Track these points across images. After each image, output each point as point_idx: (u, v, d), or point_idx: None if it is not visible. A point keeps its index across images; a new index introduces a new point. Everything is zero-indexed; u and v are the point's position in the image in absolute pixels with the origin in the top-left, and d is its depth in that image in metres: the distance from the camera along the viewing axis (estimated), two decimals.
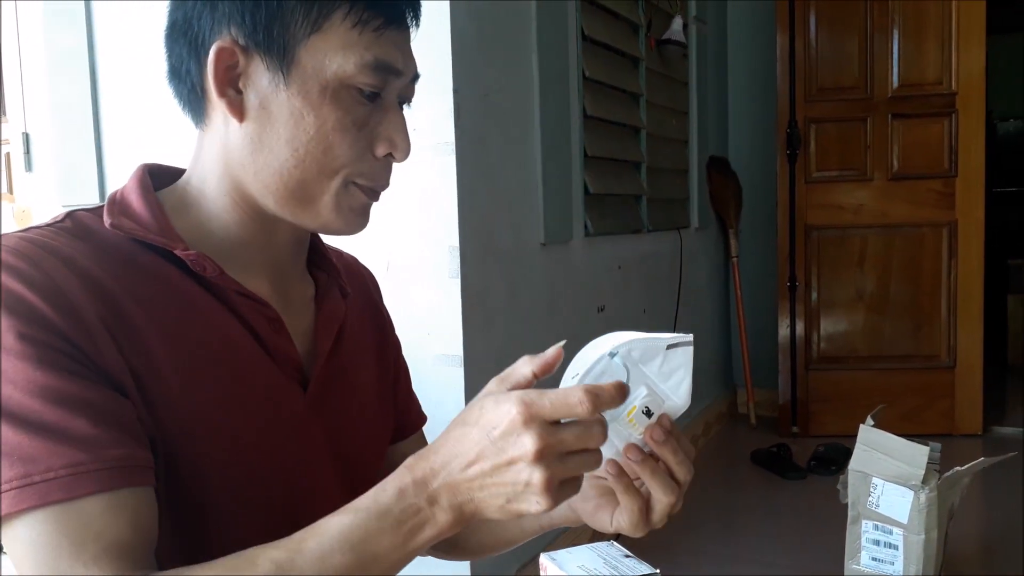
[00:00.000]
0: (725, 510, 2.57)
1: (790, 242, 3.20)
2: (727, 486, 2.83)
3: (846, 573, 1.85)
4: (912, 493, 1.69)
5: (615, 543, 1.44)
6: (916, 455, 1.68)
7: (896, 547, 1.74)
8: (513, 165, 1.78)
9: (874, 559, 1.79)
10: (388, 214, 1.61)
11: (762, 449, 2.99)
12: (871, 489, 1.76)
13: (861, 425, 1.79)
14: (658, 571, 1.32)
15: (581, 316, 2.17)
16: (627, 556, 1.40)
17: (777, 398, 3.37)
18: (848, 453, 2.93)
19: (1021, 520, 2.30)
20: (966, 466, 1.72)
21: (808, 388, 3.25)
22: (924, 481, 1.68)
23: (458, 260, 1.55)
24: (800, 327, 3.23)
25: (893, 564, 1.75)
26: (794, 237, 3.20)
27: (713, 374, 3.46)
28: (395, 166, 0.71)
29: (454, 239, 1.55)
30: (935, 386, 3.15)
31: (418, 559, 0.61)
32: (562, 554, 1.39)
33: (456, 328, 1.56)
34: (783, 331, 3.26)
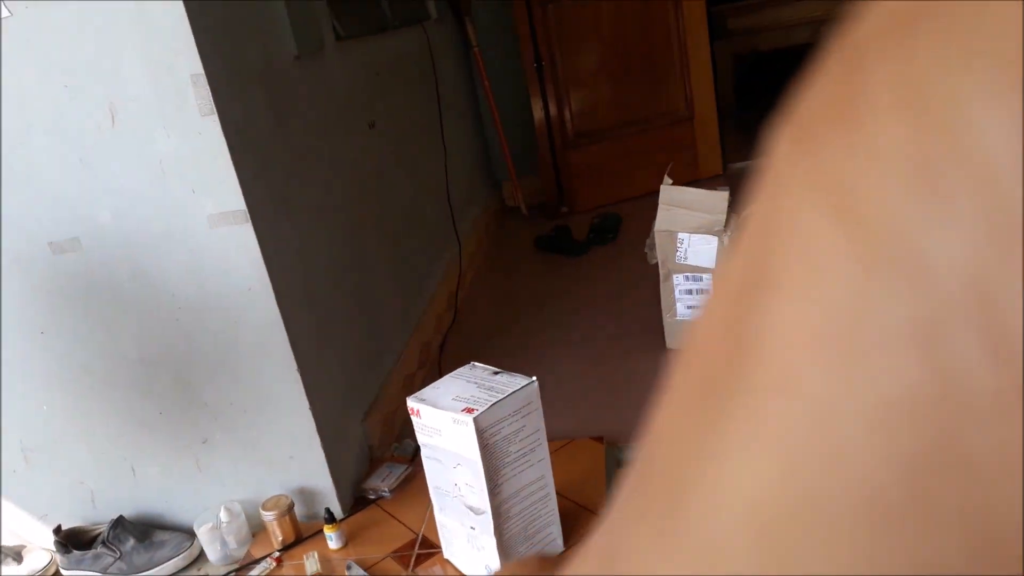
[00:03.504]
0: (529, 300, 2.61)
1: (529, 21, 3.08)
2: (521, 276, 2.87)
3: (666, 326, 1.95)
4: (716, 239, 1.77)
5: (476, 363, 1.35)
6: (717, 203, 1.74)
7: (708, 290, 1.85)
8: None
9: (689, 307, 1.89)
10: (101, 48, 1.22)
11: (542, 234, 3.04)
12: (677, 245, 1.82)
13: (662, 186, 1.81)
14: (534, 378, 1.26)
15: (355, 136, 1.93)
16: (496, 373, 1.32)
17: (540, 183, 3.40)
18: (618, 219, 3.08)
19: None
20: None
21: (570, 166, 3.30)
22: (725, 225, 1.76)
23: (208, 91, 1.23)
24: (553, 107, 3.22)
25: None
26: (532, 15, 3.08)
27: (479, 175, 3.39)
28: None
29: (195, 64, 1.22)
30: (679, 139, 3.34)
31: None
32: (428, 392, 1.27)
33: (227, 176, 1.28)
34: (538, 114, 3.22)
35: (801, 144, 0.12)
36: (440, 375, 2.12)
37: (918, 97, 0.10)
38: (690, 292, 1.87)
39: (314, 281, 1.55)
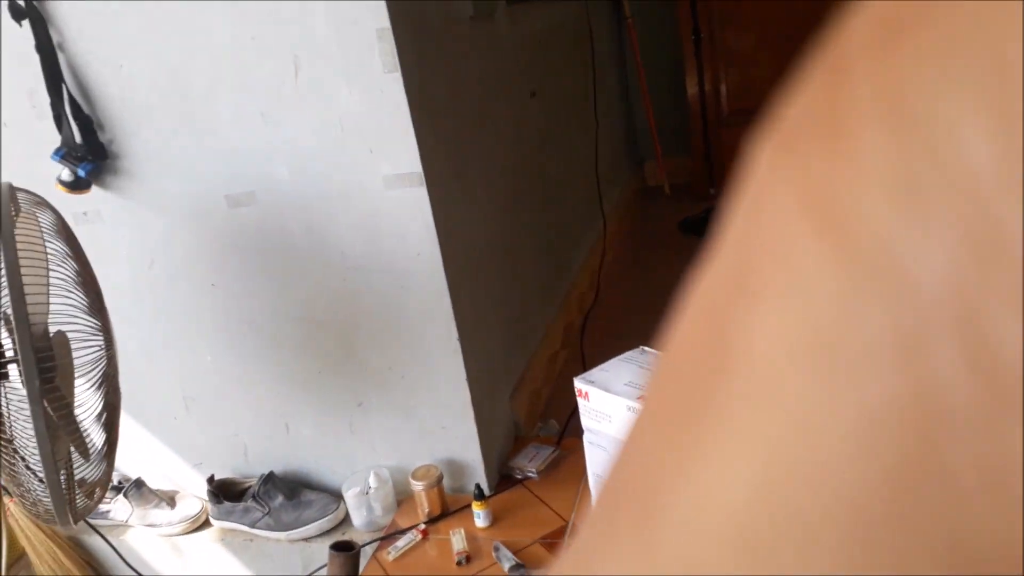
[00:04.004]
0: (673, 283, 2.49)
1: None
2: (664, 258, 2.75)
3: None
4: None
5: (645, 348, 1.26)
6: None
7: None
8: None
9: None
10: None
11: (690, 216, 2.90)
12: None
13: None
14: None
15: (517, 105, 1.87)
16: None
17: (687, 163, 3.26)
18: None
19: None
20: None
21: (722, 146, 3.14)
22: None
23: (393, 47, 1.19)
24: (708, 83, 3.06)
25: None
26: None
27: (623, 152, 3.28)
28: None
29: (382, 18, 1.18)
30: None
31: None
32: (597, 374, 1.20)
33: (406, 136, 1.24)
34: (692, 89, 3.07)
35: (784, 152, 0.12)
36: (582, 355, 2.06)
37: (903, 109, 0.10)
38: None
39: (477, 250, 1.51)
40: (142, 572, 1.54)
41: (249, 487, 1.58)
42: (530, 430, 1.68)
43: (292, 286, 1.41)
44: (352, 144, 1.26)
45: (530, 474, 1.50)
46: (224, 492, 1.59)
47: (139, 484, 1.64)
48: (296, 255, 1.38)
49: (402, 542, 1.37)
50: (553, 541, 1.32)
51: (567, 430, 1.65)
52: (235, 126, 1.31)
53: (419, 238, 1.30)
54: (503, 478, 1.52)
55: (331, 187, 1.30)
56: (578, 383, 1.19)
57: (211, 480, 1.58)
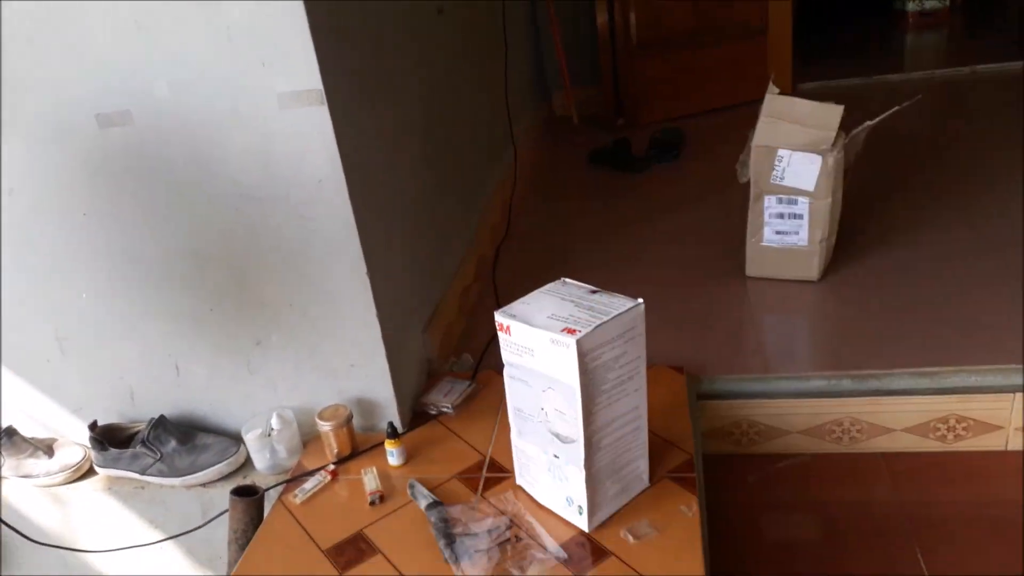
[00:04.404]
0: (587, 216, 2.46)
1: None
2: (576, 190, 2.71)
3: (749, 251, 1.81)
4: (820, 158, 1.61)
5: (567, 280, 1.22)
6: (829, 117, 1.56)
7: (801, 216, 1.70)
8: None
9: (778, 232, 1.74)
10: None
11: (599, 148, 2.86)
12: (775, 162, 1.66)
13: (767, 95, 1.63)
14: (640, 300, 1.13)
15: (424, 21, 1.75)
16: (594, 291, 1.19)
17: (595, 94, 3.20)
18: (680, 134, 2.89)
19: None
20: (875, 120, 1.64)
21: (631, 77, 3.09)
22: (833, 144, 1.60)
23: None
24: (617, 13, 2.98)
25: (798, 233, 1.72)
26: None
27: (531, 81, 3.18)
28: None
29: None
30: (749, 54, 3.12)
31: None
32: (519, 308, 1.14)
33: (304, 48, 1.12)
34: (601, 17, 2.99)
35: None
36: (495, 289, 2.01)
37: None
38: (781, 216, 1.72)
39: (386, 178, 1.41)
40: (17, 526, 1.41)
41: (137, 432, 1.46)
42: (443, 365, 1.63)
43: (177, 217, 1.28)
44: (242, 57, 1.13)
45: (445, 409, 1.45)
46: (109, 438, 1.47)
47: (10, 433, 1.50)
48: (180, 182, 1.24)
49: (310, 484, 1.30)
50: (470, 476, 1.28)
51: (482, 363, 1.60)
52: (105, 35, 1.15)
53: (320, 164, 1.19)
54: (416, 415, 1.47)
55: (219, 106, 1.17)
56: (499, 317, 1.14)
57: (93, 426, 1.46)
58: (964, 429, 1.42)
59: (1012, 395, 1.39)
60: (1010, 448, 1.43)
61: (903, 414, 1.44)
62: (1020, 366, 1.42)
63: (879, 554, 1.29)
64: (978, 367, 1.42)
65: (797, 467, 1.48)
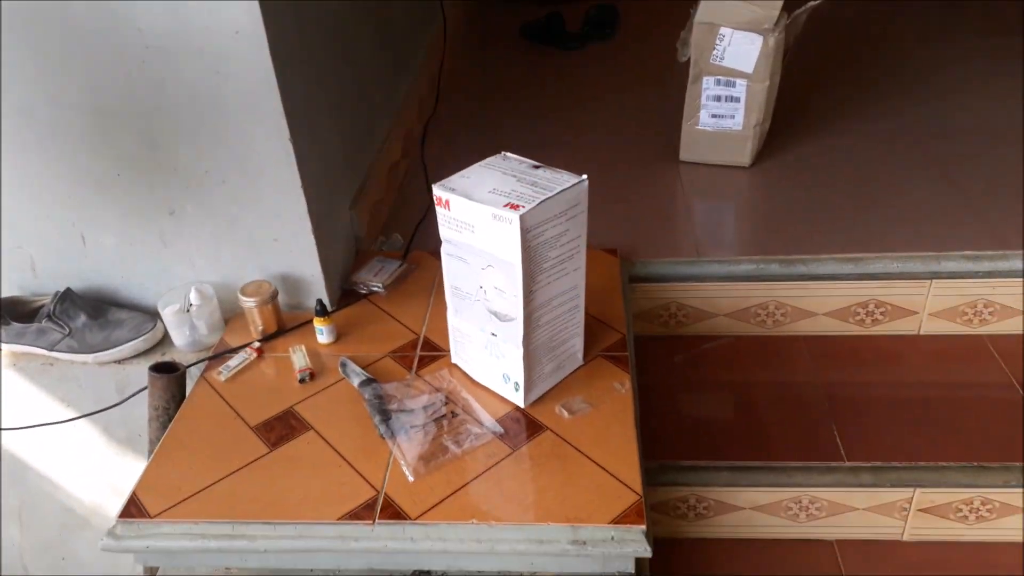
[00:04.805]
0: (518, 93, 2.37)
1: None
2: (507, 66, 2.60)
3: (683, 134, 1.78)
4: (761, 39, 1.57)
5: (508, 154, 1.16)
6: None
7: (738, 99, 1.67)
8: None
9: (714, 116, 1.72)
10: None
11: (530, 21, 2.73)
12: (716, 41, 1.61)
13: None
14: (584, 177, 1.08)
15: None
16: (536, 166, 1.14)
17: None
18: (615, 11, 2.78)
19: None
20: (810, 3, 1.60)
21: None
22: (775, 24, 1.55)
23: None
24: None
25: (734, 117, 1.70)
26: None
27: None
28: None
29: None
30: None
31: None
32: (458, 181, 1.09)
33: None
34: None
35: None
36: (424, 166, 1.93)
37: None
38: (718, 99, 1.69)
39: (309, 34, 1.29)
40: None
41: (42, 306, 1.36)
42: (371, 244, 1.57)
43: (75, 69, 1.14)
44: None
45: (375, 288, 1.40)
46: (11, 312, 1.37)
47: None
48: (77, 29, 1.10)
49: (235, 361, 1.25)
50: (404, 355, 1.25)
51: (413, 244, 1.55)
52: None
53: (237, 12, 1.07)
54: (345, 293, 1.42)
55: None
56: (437, 190, 1.08)
57: None
58: (882, 314, 1.48)
59: (928, 281, 1.45)
60: (923, 332, 1.51)
61: (827, 298, 1.48)
62: (937, 253, 1.47)
63: (798, 431, 1.35)
64: (899, 254, 1.47)
65: (723, 348, 1.52)
